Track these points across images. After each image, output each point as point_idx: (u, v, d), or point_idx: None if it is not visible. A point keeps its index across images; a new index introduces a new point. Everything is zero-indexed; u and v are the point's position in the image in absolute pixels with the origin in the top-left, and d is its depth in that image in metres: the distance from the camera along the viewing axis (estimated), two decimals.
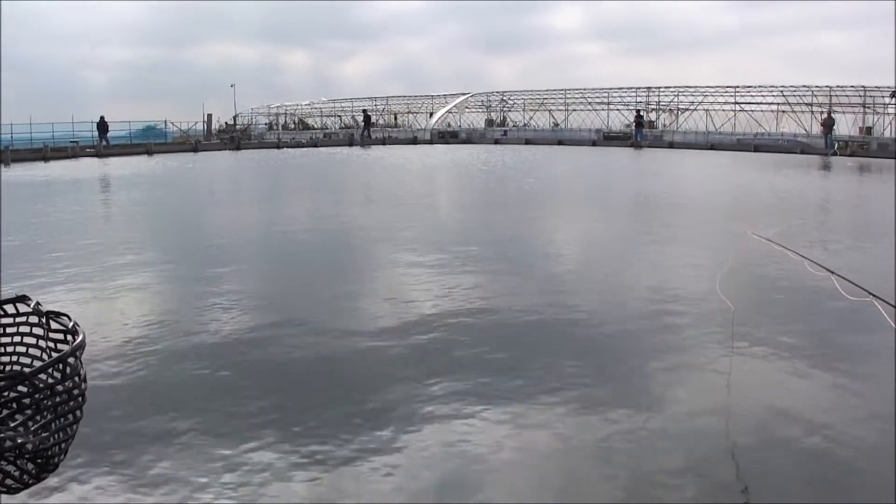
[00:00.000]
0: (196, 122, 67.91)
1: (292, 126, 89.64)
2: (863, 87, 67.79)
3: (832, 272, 4.95)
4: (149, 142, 52.85)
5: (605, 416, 5.61)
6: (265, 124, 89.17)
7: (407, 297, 9.39)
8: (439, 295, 9.43)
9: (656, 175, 33.33)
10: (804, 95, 69.33)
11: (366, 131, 65.17)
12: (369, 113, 71.70)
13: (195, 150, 52.37)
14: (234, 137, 63.28)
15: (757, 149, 59.52)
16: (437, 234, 15.19)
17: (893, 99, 65.31)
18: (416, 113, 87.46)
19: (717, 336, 7.30)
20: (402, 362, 6.86)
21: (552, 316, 8.52)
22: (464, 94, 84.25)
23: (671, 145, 62.23)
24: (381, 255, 13.04)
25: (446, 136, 72.17)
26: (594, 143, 65.44)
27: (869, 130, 65.67)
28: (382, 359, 7.03)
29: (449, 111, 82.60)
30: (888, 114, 66.35)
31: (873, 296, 4.12)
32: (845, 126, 66.11)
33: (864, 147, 60.88)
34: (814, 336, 7.67)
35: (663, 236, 14.86)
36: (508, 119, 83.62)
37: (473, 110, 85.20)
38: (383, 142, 66.53)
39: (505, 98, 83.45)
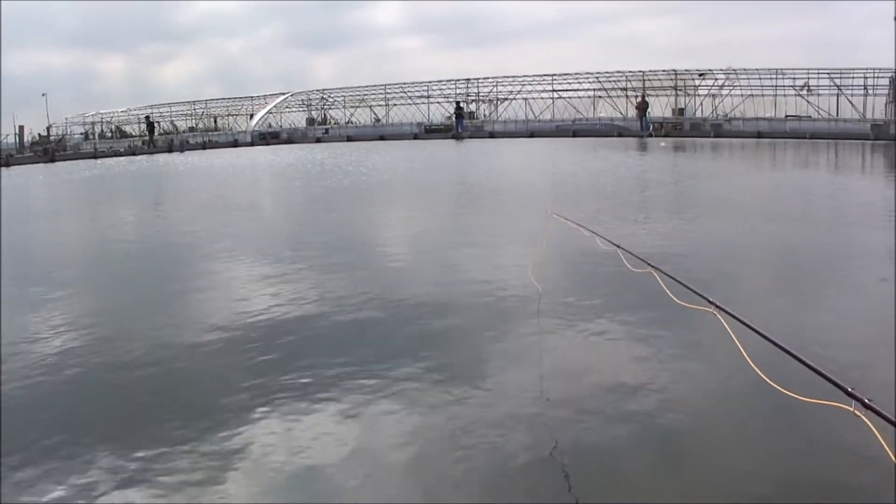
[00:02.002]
0: (7, 135, 65.25)
1: (109, 135, 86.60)
2: (674, 70, 69.81)
3: (618, 246, 5.56)
4: None
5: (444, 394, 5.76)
6: (81, 134, 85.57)
7: (239, 304, 8.87)
8: (271, 298, 9.05)
9: (474, 165, 33.54)
10: (619, 81, 71.00)
11: (151, 139, 63.35)
12: (152, 120, 70.90)
13: (7, 164, 48.26)
14: (47, 149, 59.11)
15: (576, 134, 60.62)
16: (264, 239, 14.49)
17: (702, 80, 67.39)
18: (237, 115, 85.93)
19: (531, 313, 7.78)
20: (240, 369, 6.46)
21: (384, 311, 8.38)
22: (284, 93, 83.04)
23: (492, 135, 63.29)
24: (208, 263, 12.18)
25: (267, 138, 70.91)
26: (416, 137, 65.68)
27: (681, 112, 68.24)
28: (218, 366, 6.70)
29: (269, 112, 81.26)
30: (699, 95, 68.87)
31: (652, 266, 4.64)
32: (659, 108, 68.60)
33: (678, 128, 62.56)
34: (606, 305, 8.12)
35: (480, 225, 15.19)
36: (330, 117, 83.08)
37: (294, 110, 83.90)
38: (203, 146, 64.91)
39: (325, 96, 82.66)
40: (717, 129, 59.33)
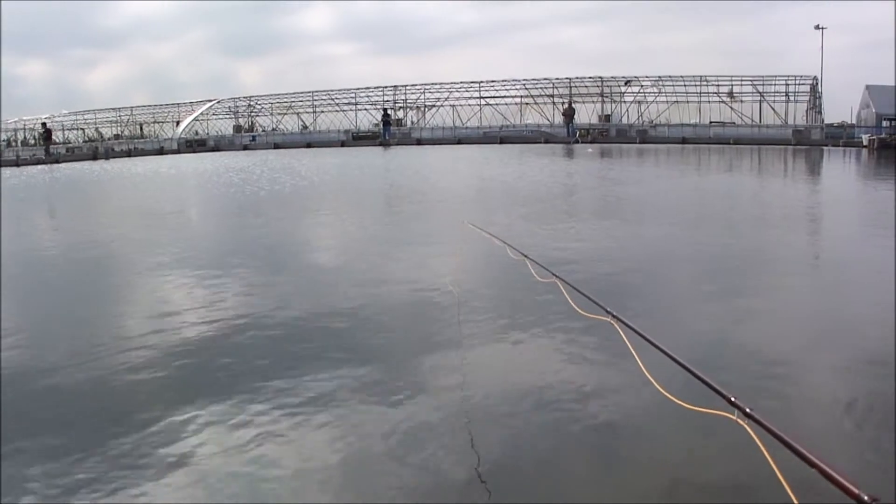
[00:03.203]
0: None
1: (32, 142, 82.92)
2: (600, 77, 70.91)
3: (526, 256, 5.61)
4: None
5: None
6: (4, 140, 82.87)
7: (161, 314, 8.64)
8: (203, 308, 8.86)
9: (398, 172, 33.65)
10: (546, 87, 71.99)
11: (47, 147, 60.75)
12: (49, 126, 67.96)
13: None
14: None
15: (503, 140, 60.83)
16: (192, 249, 14.05)
17: (628, 86, 68.72)
18: (163, 122, 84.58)
19: (450, 321, 7.88)
20: (171, 383, 6.33)
21: (299, 322, 8.24)
22: (210, 100, 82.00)
23: (419, 142, 63.41)
24: (143, 274, 11.66)
25: (194, 145, 69.76)
26: (343, 144, 65.25)
27: (608, 118, 69.32)
28: (147, 381, 6.40)
29: (196, 119, 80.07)
30: (625, 102, 69.99)
31: (556, 276, 4.75)
32: (586, 115, 69.63)
33: (604, 133, 63.55)
34: (511, 315, 8.17)
35: (399, 234, 15.33)
36: (257, 124, 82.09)
37: (221, 117, 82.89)
38: (129, 154, 63.62)
39: (252, 103, 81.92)
40: (643, 136, 60.49)
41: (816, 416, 5.44)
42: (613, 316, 3.74)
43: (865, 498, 1.84)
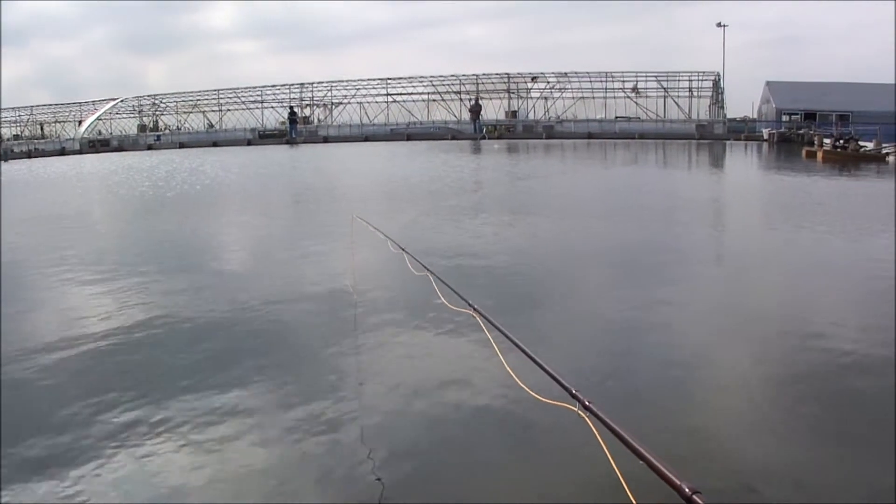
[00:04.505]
0: None
1: None
2: (507, 74, 71.41)
3: (404, 250, 5.79)
4: None
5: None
6: None
7: (66, 322, 8.32)
8: (110, 313, 8.57)
9: (302, 171, 33.40)
10: (453, 84, 72.22)
11: None
12: None
13: None
14: None
15: (410, 137, 60.80)
16: (97, 252, 13.44)
17: (535, 83, 69.71)
18: (65, 122, 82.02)
19: (348, 319, 7.83)
20: (69, 393, 6.00)
21: (190, 330, 7.91)
22: (114, 99, 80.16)
23: (326, 140, 63.20)
24: (33, 279, 11.22)
25: (97, 145, 68.54)
26: (250, 143, 64.64)
27: (514, 114, 69.97)
28: (45, 388, 6.22)
29: (99, 118, 78.30)
30: (531, 98, 70.95)
31: (429, 271, 4.83)
32: (493, 111, 70.07)
33: (511, 130, 64.22)
34: (387, 308, 8.12)
35: (298, 229, 15.34)
36: (162, 123, 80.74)
37: (125, 116, 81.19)
38: (29, 155, 62.00)
39: (157, 101, 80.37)
40: (550, 131, 61.46)
41: (642, 405, 5.48)
42: (474, 308, 3.78)
43: (687, 490, 1.83)
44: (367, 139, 61.15)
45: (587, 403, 2.48)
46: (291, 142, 59.60)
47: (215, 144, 64.35)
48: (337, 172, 31.80)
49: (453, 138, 59.11)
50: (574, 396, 2.54)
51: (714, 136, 57.37)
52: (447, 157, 38.11)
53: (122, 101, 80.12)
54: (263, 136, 66.39)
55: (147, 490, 4.45)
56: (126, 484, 4.51)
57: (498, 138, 58.88)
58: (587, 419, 2.45)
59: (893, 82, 54.43)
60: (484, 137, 58.01)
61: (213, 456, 4.87)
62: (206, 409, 5.55)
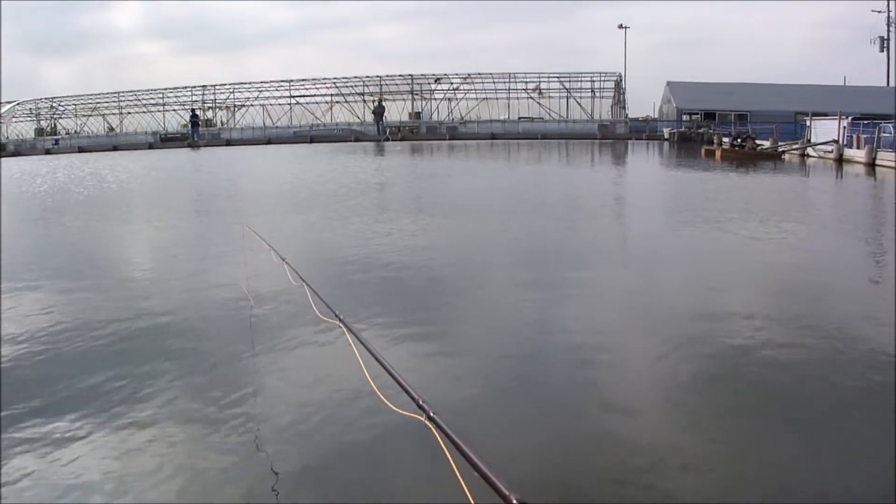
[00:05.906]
0: None
1: None
2: (411, 75, 71.50)
3: (284, 260, 5.79)
4: None
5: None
6: None
7: None
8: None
9: (202, 176, 32.72)
10: (356, 86, 71.86)
11: None
12: None
13: None
14: None
15: (313, 140, 60.53)
16: None
17: (438, 84, 70.08)
18: None
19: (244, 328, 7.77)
20: None
21: (92, 339, 7.65)
22: (10, 102, 77.36)
23: (229, 143, 62.43)
24: None
25: None
26: (151, 146, 63.46)
27: (418, 115, 70.14)
28: None
29: None
30: (435, 99, 71.21)
31: (307, 284, 4.88)
32: (396, 112, 69.97)
33: (415, 131, 64.43)
34: (267, 322, 7.99)
35: (186, 237, 14.95)
36: (60, 127, 78.69)
37: (22, 119, 78.59)
38: None
39: (55, 104, 78.16)
40: (453, 132, 61.89)
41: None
42: (341, 320, 3.86)
43: (514, 501, 1.90)
44: (270, 142, 60.67)
45: (431, 415, 2.51)
46: (193, 145, 58.45)
47: (116, 148, 62.93)
48: (236, 176, 31.39)
49: (357, 140, 58.93)
50: (421, 407, 2.58)
51: (616, 135, 58.85)
52: (349, 158, 38.04)
53: (18, 104, 77.57)
54: (165, 140, 65.07)
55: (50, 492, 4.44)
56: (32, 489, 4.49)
57: (401, 139, 58.92)
58: (433, 430, 2.49)
59: (790, 83, 57.23)
60: (387, 139, 58.05)
61: (117, 463, 4.82)
62: (105, 417, 5.48)
